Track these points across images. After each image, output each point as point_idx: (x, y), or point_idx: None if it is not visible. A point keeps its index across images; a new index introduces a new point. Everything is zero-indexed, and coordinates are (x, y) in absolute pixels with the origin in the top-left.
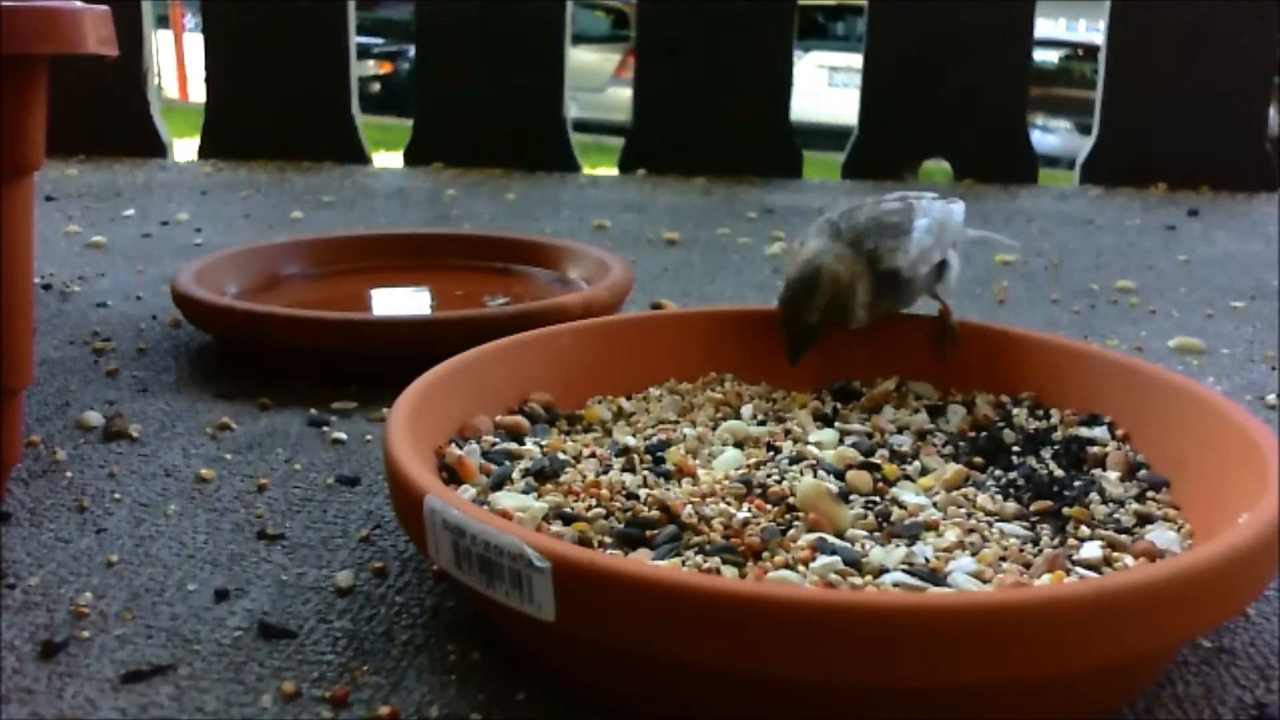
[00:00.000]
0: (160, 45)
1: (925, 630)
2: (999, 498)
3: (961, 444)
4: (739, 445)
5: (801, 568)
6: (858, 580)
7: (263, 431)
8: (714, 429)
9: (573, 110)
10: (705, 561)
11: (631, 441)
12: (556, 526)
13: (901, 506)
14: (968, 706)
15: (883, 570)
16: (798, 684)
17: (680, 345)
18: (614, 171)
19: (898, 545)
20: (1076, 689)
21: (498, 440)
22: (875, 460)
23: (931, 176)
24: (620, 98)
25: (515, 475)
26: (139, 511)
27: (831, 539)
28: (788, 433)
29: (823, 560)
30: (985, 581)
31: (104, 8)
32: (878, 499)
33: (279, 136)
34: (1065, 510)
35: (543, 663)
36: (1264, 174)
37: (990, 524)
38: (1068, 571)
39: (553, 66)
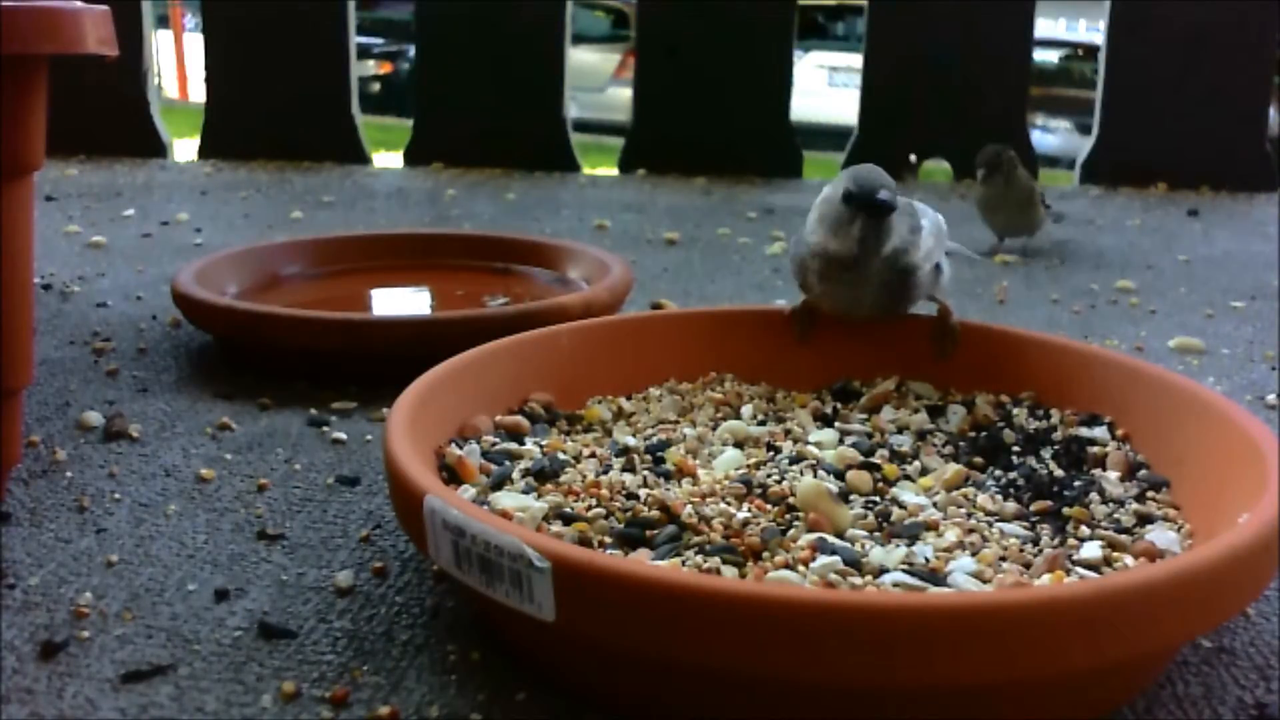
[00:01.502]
0: (160, 45)
1: (925, 630)
2: (999, 498)
3: (961, 444)
4: (739, 445)
5: (801, 568)
6: (858, 580)
7: (263, 431)
8: (714, 429)
9: (573, 110)
10: (705, 561)
11: (631, 441)
12: (556, 526)
13: (901, 506)
14: (968, 706)
15: (883, 570)
16: (798, 684)
17: (680, 345)
18: (614, 171)
19: (898, 545)
20: (1076, 689)
21: (498, 440)
22: (875, 460)
23: (931, 176)
24: (620, 98)
25: (515, 475)
26: (139, 511)
27: (831, 539)
28: (788, 433)
29: (823, 560)
30: (985, 581)
31: (104, 8)
32: (878, 499)
33: (279, 136)
34: (1065, 510)
35: (543, 663)
36: (1264, 174)
37: (990, 524)
38: (1068, 571)
39: (553, 66)
